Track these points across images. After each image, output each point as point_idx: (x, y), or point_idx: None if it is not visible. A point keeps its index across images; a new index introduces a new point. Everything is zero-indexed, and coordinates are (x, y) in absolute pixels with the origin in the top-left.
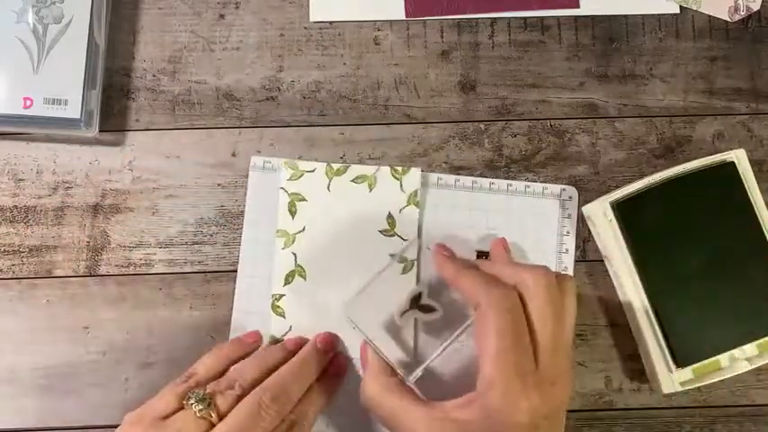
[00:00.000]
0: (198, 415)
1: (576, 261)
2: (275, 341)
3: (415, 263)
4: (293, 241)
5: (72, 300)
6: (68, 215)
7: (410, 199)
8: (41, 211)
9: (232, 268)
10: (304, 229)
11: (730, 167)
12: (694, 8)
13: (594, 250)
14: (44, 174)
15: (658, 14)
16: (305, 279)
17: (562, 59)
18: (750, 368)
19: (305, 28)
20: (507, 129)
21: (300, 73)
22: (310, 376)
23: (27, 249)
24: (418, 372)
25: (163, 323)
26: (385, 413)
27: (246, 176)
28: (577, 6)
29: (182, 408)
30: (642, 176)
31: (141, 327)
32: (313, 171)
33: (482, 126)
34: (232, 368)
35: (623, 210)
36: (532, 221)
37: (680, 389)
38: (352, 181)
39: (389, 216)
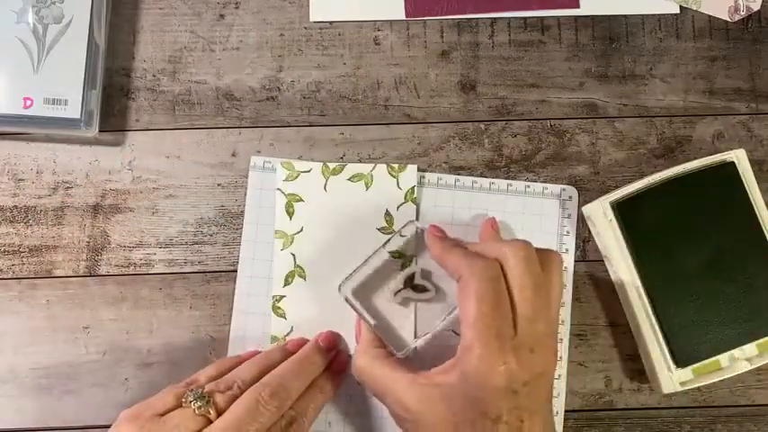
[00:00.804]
0: (196, 412)
1: (575, 261)
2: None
3: (410, 243)
4: (292, 242)
5: (72, 300)
6: (68, 215)
7: (407, 195)
8: (41, 211)
9: (232, 268)
10: (302, 230)
11: (730, 167)
12: (694, 8)
13: (594, 250)
14: (44, 174)
15: (658, 14)
16: (305, 279)
17: (562, 59)
18: (750, 368)
19: (305, 28)
20: (507, 129)
21: (300, 73)
22: (311, 373)
23: (27, 249)
24: (409, 348)
25: (163, 323)
26: (374, 383)
27: (246, 176)
28: (577, 6)
29: (180, 406)
30: (642, 176)
31: (141, 327)
32: (309, 171)
33: (482, 126)
34: (231, 372)
35: (623, 210)
36: (532, 221)
37: (680, 389)
38: (349, 180)
39: (387, 213)
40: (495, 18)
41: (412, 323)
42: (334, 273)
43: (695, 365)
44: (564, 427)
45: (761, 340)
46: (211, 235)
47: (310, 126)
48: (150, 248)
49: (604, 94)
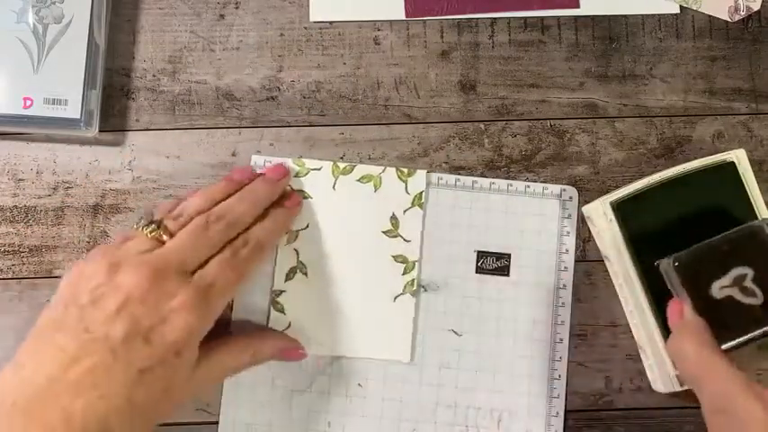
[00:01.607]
0: (149, 237)
1: (575, 261)
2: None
3: None
4: (296, 238)
5: None
6: (68, 215)
7: (414, 200)
8: (41, 211)
9: None
10: (307, 227)
11: (730, 167)
12: (694, 8)
13: (594, 250)
14: (44, 174)
15: (658, 14)
16: (306, 276)
17: (562, 59)
18: (750, 368)
19: (305, 28)
20: (507, 129)
21: (300, 73)
22: (259, 201)
23: (27, 249)
24: (733, 343)
25: None
26: (699, 368)
27: None
28: (577, 6)
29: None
30: (642, 176)
31: None
32: (319, 169)
33: (482, 126)
34: (180, 202)
35: (623, 210)
36: (533, 222)
37: (680, 389)
38: (358, 180)
39: (393, 217)
40: (495, 18)
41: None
42: (335, 271)
43: None
44: (564, 427)
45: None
46: None
47: (310, 126)
48: None
49: (604, 94)
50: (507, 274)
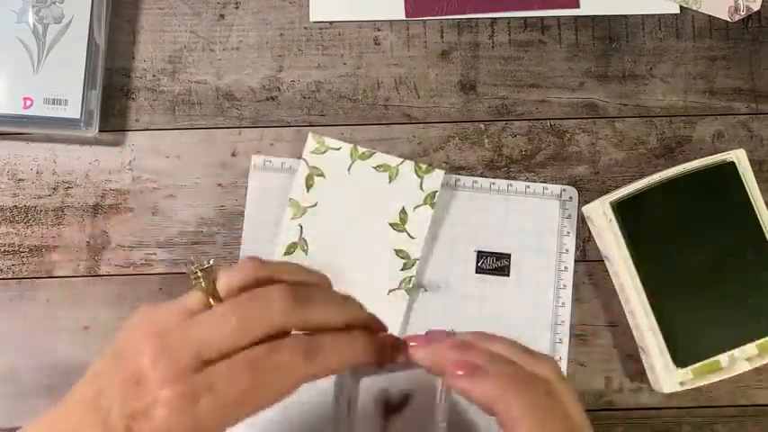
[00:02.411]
0: (194, 283)
1: (575, 261)
2: None
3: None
4: (303, 213)
5: (72, 300)
6: (68, 215)
7: (427, 199)
8: (41, 211)
9: None
10: (316, 204)
11: (730, 167)
12: (694, 8)
13: (594, 250)
14: (44, 174)
15: (658, 14)
16: (306, 253)
17: (562, 59)
18: (750, 368)
19: (305, 28)
20: (507, 129)
21: (300, 73)
22: (343, 312)
23: (27, 249)
24: None
25: None
26: None
27: (246, 176)
28: (577, 6)
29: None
30: (642, 176)
31: None
32: (338, 149)
33: (482, 126)
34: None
35: (623, 210)
36: (533, 222)
37: (680, 389)
38: (374, 168)
39: (403, 211)
40: (495, 18)
41: None
42: (335, 254)
43: (695, 365)
44: None
45: (761, 340)
46: (211, 235)
47: (310, 126)
48: (150, 248)
49: (604, 94)
50: (507, 274)
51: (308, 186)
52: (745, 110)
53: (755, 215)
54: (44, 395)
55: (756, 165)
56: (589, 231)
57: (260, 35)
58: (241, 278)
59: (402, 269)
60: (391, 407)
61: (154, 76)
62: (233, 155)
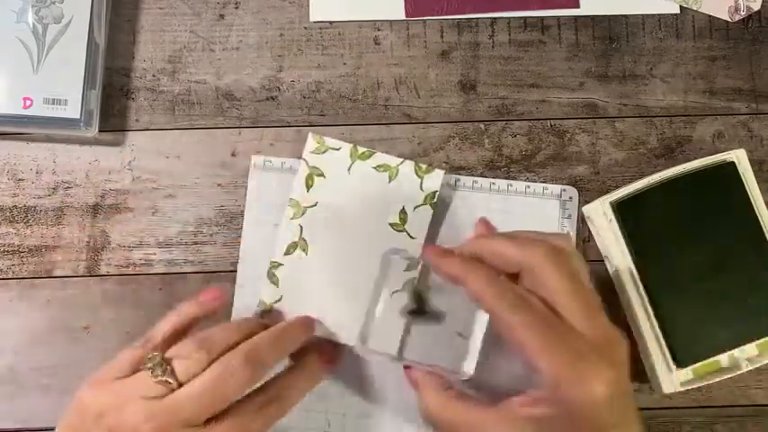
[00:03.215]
0: (155, 381)
1: None
2: (265, 308)
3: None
4: (303, 213)
5: (72, 300)
6: (68, 215)
7: (427, 199)
8: (41, 211)
9: (232, 268)
10: (316, 204)
11: (730, 167)
12: (694, 8)
13: (594, 250)
14: (44, 174)
15: (658, 14)
16: (306, 253)
17: (562, 59)
18: (750, 368)
19: (305, 28)
20: (507, 129)
21: (300, 73)
22: (288, 347)
23: (27, 249)
24: (471, 367)
25: None
26: (453, 426)
27: (246, 176)
28: (577, 6)
29: (139, 369)
30: (642, 176)
31: (141, 327)
32: (338, 149)
33: (482, 126)
34: (204, 332)
35: (623, 210)
36: (533, 222)
37: (680, 389)
38: (374, 168)
39: (403, 211)
40: (495, 18)
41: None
42: (335, 254)
43: (695, 365)
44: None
45: (761, 340)
46: (211, 235)
47: (310, 126)
48: (150, 248)
49: (604, 94)
50: None
51: (309, 186)
52: (745, 110)
53: (755, 215)
54: (44, 395)
55: (756, 165)
56: (589, 231)
57: (260, 35)
58: (199, 364)
59: (406, 270)
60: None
61: (154, 76)
62: (233, 155)
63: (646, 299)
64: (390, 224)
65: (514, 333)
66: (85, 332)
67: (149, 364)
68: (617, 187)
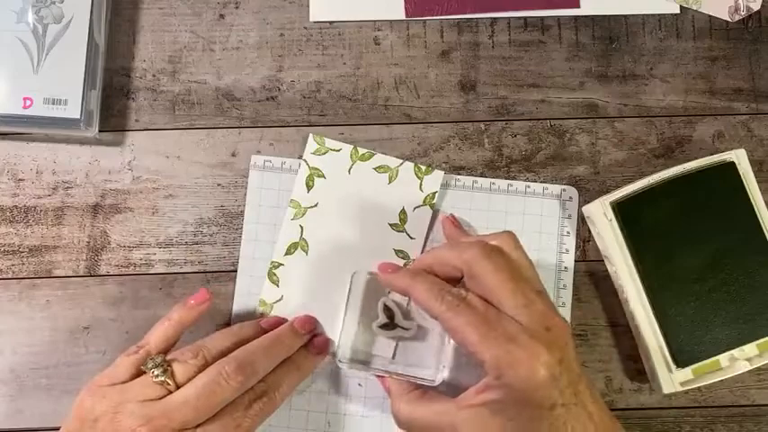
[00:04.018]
0: (154, 381)
1: (575, 261)
2: (264, 307)
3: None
4: (304, 214)
5: (72, 300)
6: (68, 215)
7: (426, 199)
8: (41, 211)
9: (232, 268)
10: (317, 205)
11: (730, 167)
12: (694, 8)
13: (594, 250)
14: (44, 174)
15: (658, 14)
16: (306, 253)
17: (562, 59)
18: (750, 368)
19: (305, 28)
20: (507, 129)
21: (300, 73)
22: (281, 354)
23: (27, 249)
24: (443, 374)
25: None
26: (425, 424)
27: (246, 176)
28: (577, 6)
29: (139, 374)
30: (642, 176)
31: (141, 327)
32: (339, 151)
33: (482, 126)
34: (201, 340)
35: (623, 210)
36: (533, 222)
37: (680, 389)
38: (375, 169)
39: (402, 211)
40: (495, 18)
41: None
42: (336, 254)
43: (695, 365)
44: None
45: (761, 340)
46: (211, 235)
47: (310, 126)
48: (150, 248)
49: (604, 94)
50: None
51: (309, 187)
52: (745, 110)
53: (755, 215)
54: (44, 395)
55: (756, 165)
56: (589, 231)
57: (260, 35)
58: (194, 369)
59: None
60: (390, 324)
61: (154, 76)
62: (233, 155)
63: (646, 299)
64: (390, 225)
65: (456, 332)
66: (85, 332)
67: (150, 365)
68: (617, 187)
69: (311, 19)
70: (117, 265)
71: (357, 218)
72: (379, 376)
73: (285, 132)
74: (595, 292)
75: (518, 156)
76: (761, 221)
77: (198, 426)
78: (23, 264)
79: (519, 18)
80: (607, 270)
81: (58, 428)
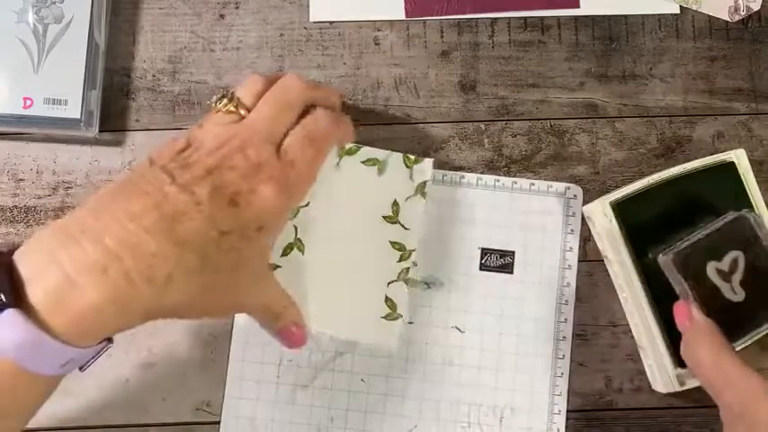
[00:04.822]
0: (226, 112)
1: (576, 261)
2: None
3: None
4: (296, 214)
5: None
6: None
7: (418, 189)
8: (41, 211)
9: None
10: (308, 204)
11: (730, 167)
12: (694, 8)
13: (595, 250)
14: (44, 174)
15: (658, 14)
16: (302, 253)
17: (562, 59)
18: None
19: (305, 28)
20: (507, 129)
21: (300, 73)
22: (334, 95)
23: None
24: (739, 344)
25: (163, 323)
26: (716, 376)
27: None
28: (577, 6)
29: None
30: (642, 176)
31: (141, 327)
32: None
33: (482, 126)
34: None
35: (623, 210)
36: (537, 219)
37: (680, 389)
38: (363, 162)
39: (395, 203)
40: (495, 18)
41: None
42: (332, 252)
43: None
44: (564, 427)
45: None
46: None
47: None
48: None
49: (604, 94)
50: (511, 272)
51: None
52: (745, 110)
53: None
54: None
55: (756, 165)
56: (589, 231)
57: (260, 35)
58: (255, 88)
59: (399, 260)
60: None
61: (154, 76)
62: None
63: (646, 299)
64: (384, 217)
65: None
66: None
67: (215, 97)
68: (617, 187)
69: (311, 19)
70: None
71: (349, 213)
72: (682, 303)
73: None
74: (595, 291)
75: (518, 156)
76: None
77: (280, 143)
78: None
79: (519, 18)
80: (607, 270)
81: (59, 428)
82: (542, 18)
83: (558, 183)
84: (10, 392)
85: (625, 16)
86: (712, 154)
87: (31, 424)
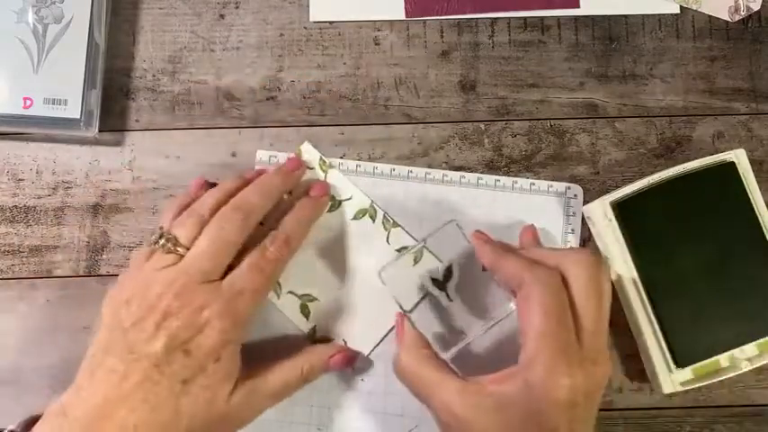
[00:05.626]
0: (164, 253)
1: None
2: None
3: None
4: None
5: (72, 300)
6: (68, 215)
7: (321, 167)
8: (41, 211)
9: None
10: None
11: (730, 167)
12: (694, 8)
13: (595, 250)
14: (44, 174)
15: (658, 14)
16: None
17: (562, 59)
18: (750, 368)
19: (305, 28)
20: (507, 129)
21: (300, 73)
22: (273, 192)
23: (27, 249)
24: (453, 351)
25: None
26: (420, 385)
27: None
28: (577, 6)
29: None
30: (642, 176)
31: None
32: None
33: (482, 126)
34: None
35: (623, 210)
36: (537, 219)
37: (680, 389)
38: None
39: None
40: (495, 18)
41: (459, 322)
42: (336, 255)
43: (695, 365)
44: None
45: (761, 340)
46: None
47: (310, 126)
48: None
49: (604, 94)
50: None
51: None
52: (745, 110)
53: (755, 215)
54: (44, 395)
55: (756, 165)
56: (589, 231)
57: (260, 35)
58: (196, 227)
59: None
60: (439, 282)
61: (154, 76)
62: (233, 155)
63: (646, 299)
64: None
65: (530, 307)
66: (85, 332)
67: (153, 237)
68: (617, 187)
69: (311, 19)
70: (117, 265)
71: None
72: (400, 315)
73: (285, 132)
74: None
75: (518, 156)
76: (761, 221)
77: (223, 276)
78: (23, 264)
79: (519, 18)
80: None
81: None
82: (542, 18)
83: (558, 183)
84: None
85: (625, 16)
86: (712, 154)
87: None
